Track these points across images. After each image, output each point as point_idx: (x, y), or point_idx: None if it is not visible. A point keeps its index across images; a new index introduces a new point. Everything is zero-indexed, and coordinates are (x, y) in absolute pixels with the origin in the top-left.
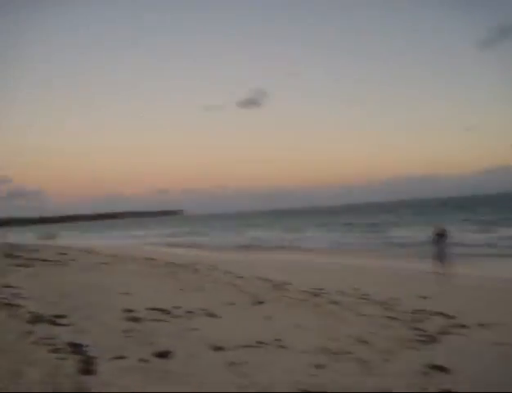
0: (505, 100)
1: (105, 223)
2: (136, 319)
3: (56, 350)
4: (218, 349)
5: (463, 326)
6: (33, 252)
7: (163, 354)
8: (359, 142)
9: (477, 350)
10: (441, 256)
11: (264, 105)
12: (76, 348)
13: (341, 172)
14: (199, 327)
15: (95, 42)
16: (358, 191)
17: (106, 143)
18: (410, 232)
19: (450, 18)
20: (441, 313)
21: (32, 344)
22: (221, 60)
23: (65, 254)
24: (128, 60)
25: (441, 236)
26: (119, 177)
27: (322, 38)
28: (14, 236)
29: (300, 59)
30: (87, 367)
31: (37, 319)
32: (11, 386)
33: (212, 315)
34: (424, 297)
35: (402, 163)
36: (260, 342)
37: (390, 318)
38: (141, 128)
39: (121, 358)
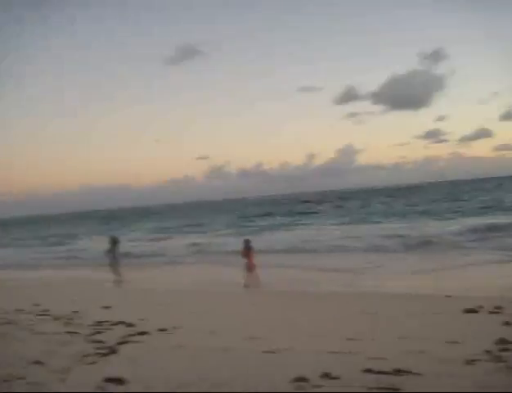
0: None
1: None
2: None
3: None
4: None
5: (143, 333)
6: None
7: None
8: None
9: (155, 355)
10: (114, 265)
11: None
12: None
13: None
14: None
15: None
16: (48, 201)
17: None
18: (90, 242)
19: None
20: (122, 322)
21: None
22: None
23: None
24: None
25: (113, 245)
26: None
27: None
28: None
29: None
30: None
31: None
32: None
33: None
34: (106, 307)
35: (92, 173)
36: None
37: (70, 334)
38: None
39: None
